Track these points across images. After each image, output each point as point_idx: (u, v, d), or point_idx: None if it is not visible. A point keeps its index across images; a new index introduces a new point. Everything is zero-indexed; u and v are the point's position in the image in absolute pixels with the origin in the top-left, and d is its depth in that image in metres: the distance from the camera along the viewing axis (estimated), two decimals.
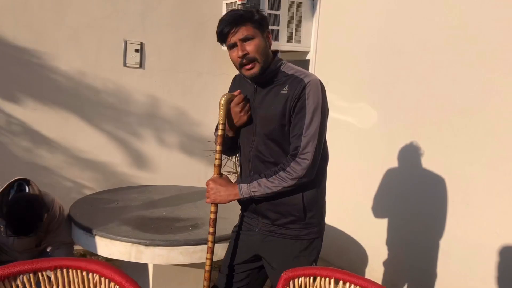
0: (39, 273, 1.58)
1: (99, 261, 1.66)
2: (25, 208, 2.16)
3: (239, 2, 3.81)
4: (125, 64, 3.94)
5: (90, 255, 3.17)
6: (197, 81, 4.36)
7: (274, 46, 3.64)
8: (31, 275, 1.56)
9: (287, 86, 1.71)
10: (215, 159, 1.81)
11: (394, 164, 3.19)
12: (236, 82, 1.94)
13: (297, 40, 3.76)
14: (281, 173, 1.70)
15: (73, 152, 3.81)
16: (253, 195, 1.73)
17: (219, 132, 1.79)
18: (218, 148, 1.79)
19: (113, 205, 2.60)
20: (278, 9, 3.63)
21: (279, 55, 1.83)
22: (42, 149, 3.67)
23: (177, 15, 4.16)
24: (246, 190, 1.73)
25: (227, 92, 1.86)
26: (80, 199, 2.69)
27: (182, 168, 4.34)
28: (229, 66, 4.52)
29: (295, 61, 4.02)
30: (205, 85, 4.43)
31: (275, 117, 1.72)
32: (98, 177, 3.94)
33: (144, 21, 3.99)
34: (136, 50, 3.97)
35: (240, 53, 1.68)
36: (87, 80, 3.78)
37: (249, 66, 1.69)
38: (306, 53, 3.86)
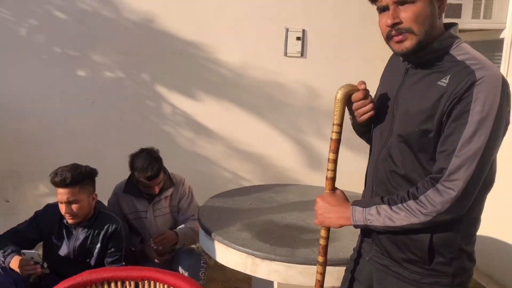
0: (126, 282, 1.49)
1: (187, 278, 1.48)
2: (144, 150, 2.55)
3: None
4: (285, 54, 3.75)
5: None
6: (365, 69, 3.90)
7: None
8: (118, 283, 1.49)
9: (449, 77, 1.19)
10: (327, 169, 1.42)
11: None
12: (393, 61, 1.47)
13: (487, 16, 3.00)
14: (411, 203, 1.21)
15: (232, 143, 3.81)
16: (368, 224, 1.28)
17: (333, 136, 1.39)
18: (331, 156, 1.41)
19: (245, 205, 2.43)
20: None
21: (455, 30, 1.27)
22: (203, 139, 3.77)
23: None
24: (360, 216, 1.30)
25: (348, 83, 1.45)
26: (217, 195, 2.60)
27: (344, 167, 3.96)
28: None
29: (485, 42, 3.25)
30: (374, 72, 3.89)
31: (418, 116, 1.23)
32: (255, 169, 3.88)
33: (306, 7, 3.72)
34: (298, 38, 3.74)
35: (389, 21, 1.21)
36: (247, 70, 3.72)
37: (400, 37, 1.22)
38: (500, 31, 3.06)
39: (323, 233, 1.44)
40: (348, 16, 3.81)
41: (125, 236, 2.30)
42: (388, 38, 1.26)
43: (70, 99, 3.50)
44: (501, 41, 3.05)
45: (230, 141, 3.81)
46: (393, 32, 1.23)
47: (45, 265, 2.15)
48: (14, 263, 2.10)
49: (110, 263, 2.27)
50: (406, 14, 1.20)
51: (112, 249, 2.27)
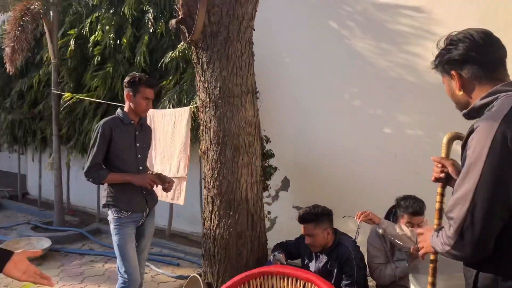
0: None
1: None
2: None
3: None
4: None
5: None
6: None
7: None
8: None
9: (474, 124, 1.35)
10: (436, 201, 1.69)
11: None
12: None
13: None
14: (441, 233, 1.38)
15: None
16: (435, 248, 1.41)
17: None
18: (439, 190, 1.67)
19: None
20: None
21: (505, 85, 1.35)
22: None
23: None
24: (434, 239, 1.43)
25: None
26: None
27: None
28: None
29: None
30: None
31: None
32: None
33: None
34: None
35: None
36: None
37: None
38: None
39: (432, 256, 1.63)
40: None
41: (357, 265, 2.66)
42: None
43: (378, 152, 4.08)
44: None
45: None
46: None
47: None
48: None
49: (344, 285, 2.69)
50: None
51: (346, 274, 2.69)
